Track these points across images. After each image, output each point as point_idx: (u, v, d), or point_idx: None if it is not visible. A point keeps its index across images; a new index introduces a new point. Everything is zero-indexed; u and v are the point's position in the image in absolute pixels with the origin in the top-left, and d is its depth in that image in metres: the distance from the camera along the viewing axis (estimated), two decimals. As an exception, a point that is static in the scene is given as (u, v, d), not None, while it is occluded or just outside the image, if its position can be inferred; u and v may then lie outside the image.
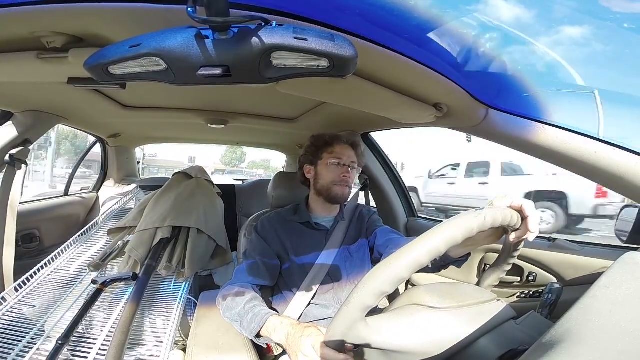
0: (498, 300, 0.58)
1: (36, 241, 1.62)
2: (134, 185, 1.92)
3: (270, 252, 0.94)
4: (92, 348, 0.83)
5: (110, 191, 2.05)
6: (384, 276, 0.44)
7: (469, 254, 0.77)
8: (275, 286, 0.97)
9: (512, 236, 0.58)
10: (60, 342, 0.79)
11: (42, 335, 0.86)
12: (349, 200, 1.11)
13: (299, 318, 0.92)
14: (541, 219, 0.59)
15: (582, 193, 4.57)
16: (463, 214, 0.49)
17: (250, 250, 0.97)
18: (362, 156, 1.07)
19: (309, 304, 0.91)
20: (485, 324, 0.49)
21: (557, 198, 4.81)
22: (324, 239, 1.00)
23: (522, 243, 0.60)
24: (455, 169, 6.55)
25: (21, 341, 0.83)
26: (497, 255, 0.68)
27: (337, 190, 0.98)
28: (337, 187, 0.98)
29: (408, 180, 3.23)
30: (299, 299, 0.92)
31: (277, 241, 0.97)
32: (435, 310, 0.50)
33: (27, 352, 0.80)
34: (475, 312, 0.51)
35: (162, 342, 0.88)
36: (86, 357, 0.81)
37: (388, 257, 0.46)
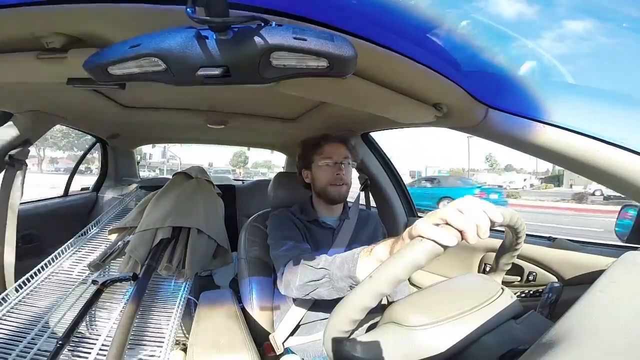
0: (500, 293, 0.57)
1: (36, 242, 1.62)
2: (134, 186, 1.92)
3: (298, 235, 0.94)
4: (92, 348, 0.83)
5: (110, 192, 2.05)
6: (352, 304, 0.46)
7: None
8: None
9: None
10: (60, 342, 0.79)
11: (43, 336, 0.86)
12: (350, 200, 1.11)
13: (302, 318, 0.92)
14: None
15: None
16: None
17: (279, 233, 0.93)
18: (355, 150, 1.06)
19: (314, 303, 0.91)
20: (465, 337, 0.48)
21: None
22: (331, 237, 1.00)
23: (522, 235, 0.60)
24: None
25: (22, 341, 0.83)
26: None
27: (333, 191, 0.98)
28: (333, 187, 0.98)
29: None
30: (303, 298, 0.92)
31: (297, 230, 0.96)
32: (410, 329, 0.49)
33: (28, 353, 0.80)
34: (459, 324, 0.50)
35: (162, 342, 0.88)
36: (87, 358, 0.81)
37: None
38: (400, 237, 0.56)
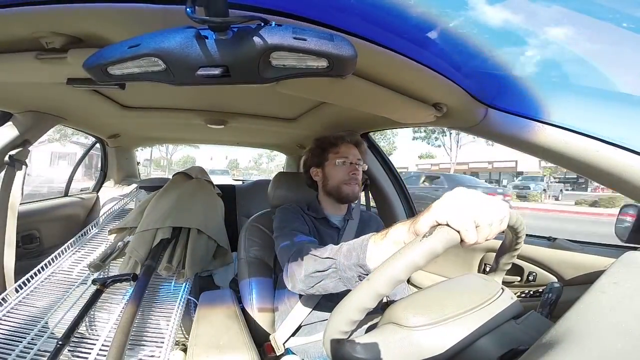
0: (500, 293, 0.57)
1: (36, 242, 1.62)
2: (134, 186, 1.92)
3: (306, 230, 0.93)
4: (92, 349, 0.83)
5: (110, 192, 2.05)
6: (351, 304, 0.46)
7: None
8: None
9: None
10: (60, 342, 0.79)
11: (43, 336, 0.86)
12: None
13: (305, 319, 0.92)
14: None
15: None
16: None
17: (287, 225, 0.92)
18: (365, 155, 1.08)
19: (317, 304, 0.91)
20: (465, 337, 0.48)
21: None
22: (336, 236, 1.00)
23: (522, 235, 0.60)
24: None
25: (22, 342, 0.82)
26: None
27: (347, 189, 0.98)
28: (347, 185, 0.98)
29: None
30: (306, 299, 0.91)
31: (305, 224, 0.95)
32: (410, 330, 0.49)
33: (28, 353, 0.80)
34: (458, 325, 0.50)
35: (162, 342, 0.88)
36: (87, 358, 0.81)
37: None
38: (417, 220, 0.51)
